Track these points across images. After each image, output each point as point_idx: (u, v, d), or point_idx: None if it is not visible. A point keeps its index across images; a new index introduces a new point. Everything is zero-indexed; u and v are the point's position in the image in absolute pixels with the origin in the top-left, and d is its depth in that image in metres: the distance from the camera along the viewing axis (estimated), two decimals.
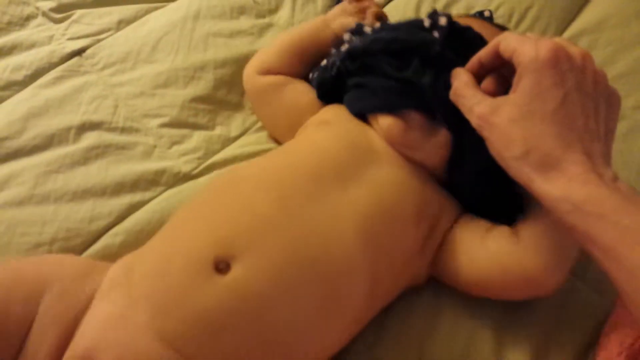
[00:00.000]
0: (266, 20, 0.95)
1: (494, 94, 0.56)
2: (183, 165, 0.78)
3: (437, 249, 0.65)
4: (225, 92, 0.86)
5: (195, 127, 0.82)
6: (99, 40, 0.90)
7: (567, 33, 0.97)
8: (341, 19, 0.79)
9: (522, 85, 0.52)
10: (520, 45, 0.52)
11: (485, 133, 0.54)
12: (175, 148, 0.79)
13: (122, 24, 0.93)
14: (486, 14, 0.86)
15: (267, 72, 0.79)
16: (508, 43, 0.54)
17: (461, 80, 0.58)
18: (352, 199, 0.60)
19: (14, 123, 0.78)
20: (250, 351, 0.53)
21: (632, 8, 0.99)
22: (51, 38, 0.91)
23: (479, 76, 0.59)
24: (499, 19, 0.97)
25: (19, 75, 0.85)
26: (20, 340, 0.56)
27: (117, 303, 0.56)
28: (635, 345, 0.54)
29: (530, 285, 0.60)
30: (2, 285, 0.58)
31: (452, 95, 0.59)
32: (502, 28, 0.80)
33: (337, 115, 0.72)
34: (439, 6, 0.99)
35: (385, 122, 0.66)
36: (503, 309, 0.66)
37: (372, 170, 0.64)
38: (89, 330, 0.55)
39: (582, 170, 0.49)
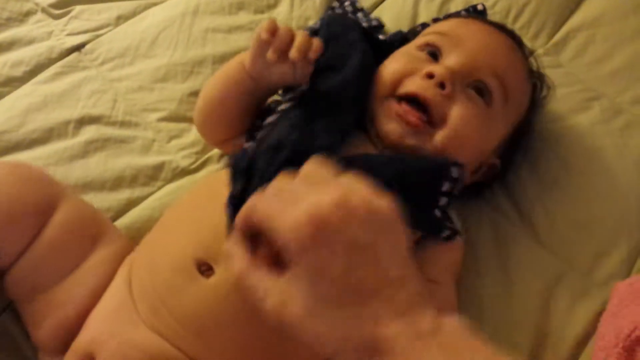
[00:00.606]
0: (265, 15, 0.95)
1: (275, 264, 0.44)
2: (181, 160, 0.78)
3: None
4: None
5: (194, 121, 0.82)
6: (98, 36, 0.91)
7: (565, 28, 0.97)
8: (263, 70, 0.65)
9: (297, 272, 0.41)
10: (275, 220, 0.42)
11: (291, 329, 0.42)
12: (174, 142, 0.80)
13: (120, 19, 0.93)
14: (479, 7, 0.86)
15: (222, 143, 0.74)
16: (261, 216, 0.44)
17: (242, 264, 0.45)
18: None
19: (13, 118, 0.78)
20: (242, 350, 0.54)
21: (629, 3, 0.99)
22: (50, 34, 0.91)
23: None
24: (496, 15, 0.97)
25: (18, 71, 0.85)
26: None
27: (118, 297, 0.58)
28: (632, 336, 0.54)
29: None
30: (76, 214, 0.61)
31: (239, 280, 0.45)
32: (499, 26, 0.78)
33: None
34: (436, 3, 0.99)
35: (384, 127, 0.66)
36: (500, 300, 0.66)
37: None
38: (92, 324, 0.57)
39: (405, 341, 0.39)
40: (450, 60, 0.67)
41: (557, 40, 0.95)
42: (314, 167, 0.46)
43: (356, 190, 0.43)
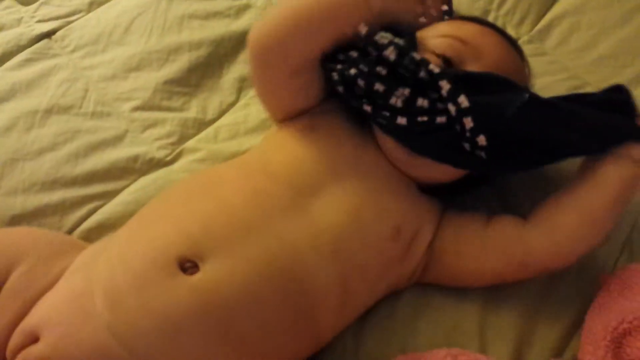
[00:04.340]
0: (243, 1, 0.93)
1: None
2: (156, 151, 0.75)
3: (423, 256, 0.64)
4: (200, 75, 0.83)
5: (170, 110, 0.80)
6: (69, 22, 0.88)
7: (549, 15, 0.96)
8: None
9: None
10: None
11: None
12: (148, 132, 0.77)
13: (93, 5, 0.91)
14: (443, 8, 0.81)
15: (295, 70, 0.63)
16: None
17: None
18: (329, 214, 0.58)
19: None
20: (209, 356, 0.51)
21: None
22: (20, 20, 0.88)
23: None
24: (480, 1, 0.96)
25: None
26: None
27: (76, 285, 0.55)
28: (620, 328, 0.53)
29: (539, 267, 0.62)
30: None
31: None
32: (512, 41, 0.73)
33: (326, 119, 0.66)
34: None
35: (389, 146, 0.63)
36: (487, 296, 0.65)
37: (352, 184, 0.61)
38: (42, 308, 0.55)
39: None
40: None
41: (541, 27, 0.94)
42: None
43: None
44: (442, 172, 0.64)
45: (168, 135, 0.77)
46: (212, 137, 0.78)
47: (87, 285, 0.54)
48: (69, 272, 0.57)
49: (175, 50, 0.84)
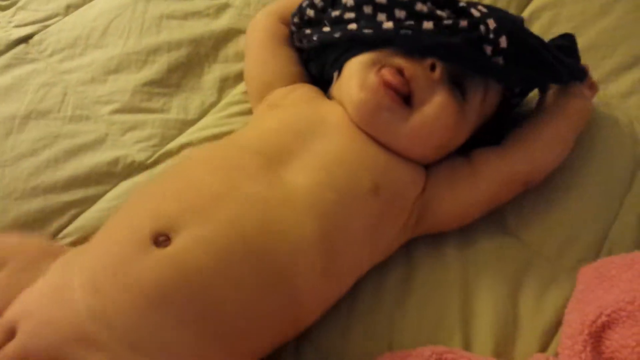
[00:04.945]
0: (222, 1, 0.92)
1: None
2: (137, 154, 0.75)
3: (412, 212, 0.66)
4: (180, 75, 0.83)
5: (150, 111, 0.79)
6: (46, 26, 0.87)
7: (529, 8, 0.96)
8: None
9: None
10: None
11: None
12: (129, 135, 0.76)
13: (70, 8, 0.90)
14: None
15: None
16: None
17: None
18: (300, 176, 0.60)
19: None
20: (187, 328, 0.51)
21: None
22: None
23: None
24: None
25: None
26: None
27: (55, 280, 0.55)
28: (598, 322, 0.54)
29: (521, 183, 0.71)
30: None
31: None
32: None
33: (292, 98, 0.71)
34: None
35: (357, 96, 0.66)
36: (466, 290, 0.65)
37: (320, 147, 0.63)
38: (20, 302, 0.55)
39: None
40: None
41: None
42: None
43: None
44: (403, 141, 0.66)
45: (149, 138, 0.76)
46: (190, 142, 0.77)
47: (66, 278, 0.54)
48: (49, 271, 0.57)
49: (154, 51, 0.84)
